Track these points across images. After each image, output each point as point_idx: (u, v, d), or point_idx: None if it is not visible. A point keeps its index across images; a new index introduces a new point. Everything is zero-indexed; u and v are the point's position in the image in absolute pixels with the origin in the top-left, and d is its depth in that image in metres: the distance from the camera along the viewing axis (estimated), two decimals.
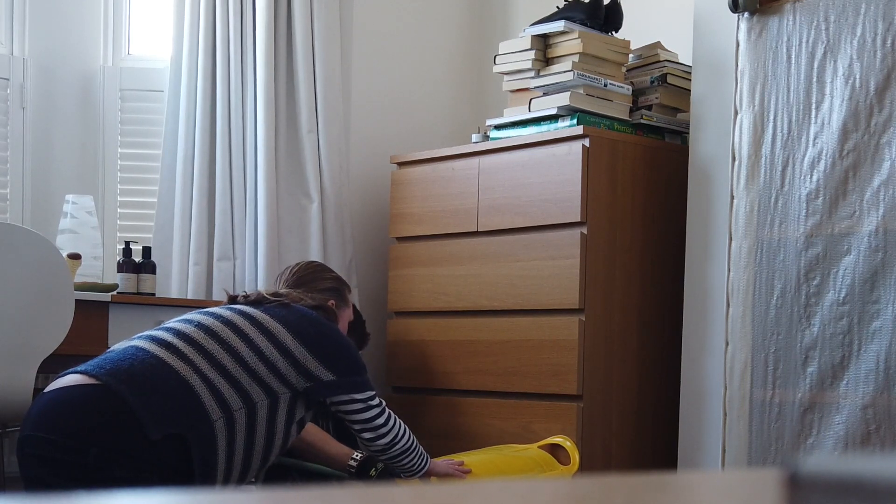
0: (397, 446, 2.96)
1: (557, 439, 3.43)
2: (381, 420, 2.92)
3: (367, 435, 2.93)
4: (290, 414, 2.82)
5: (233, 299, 2.99)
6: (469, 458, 3.31)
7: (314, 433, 3.45)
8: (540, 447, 3.43)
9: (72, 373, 2.66)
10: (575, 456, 3.37)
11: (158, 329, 2.83)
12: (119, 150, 4.19)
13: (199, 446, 2.62)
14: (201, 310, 2.92)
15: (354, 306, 3.55)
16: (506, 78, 3.88)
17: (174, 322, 2.85)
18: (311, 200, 4.13)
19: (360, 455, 3.45)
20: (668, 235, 3.67)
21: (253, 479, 2.92)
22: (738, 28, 3.31)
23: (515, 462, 3.33)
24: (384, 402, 2.97)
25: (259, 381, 2.75)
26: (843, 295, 3.03)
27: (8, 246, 3.01)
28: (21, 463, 2.64)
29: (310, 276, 3.25)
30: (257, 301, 2.93)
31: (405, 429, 3.00)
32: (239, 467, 2.74)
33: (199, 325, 2.79)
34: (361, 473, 3.47)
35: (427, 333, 3.95)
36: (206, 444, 2.64)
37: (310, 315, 2.90)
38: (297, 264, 3.35)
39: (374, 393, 2.93)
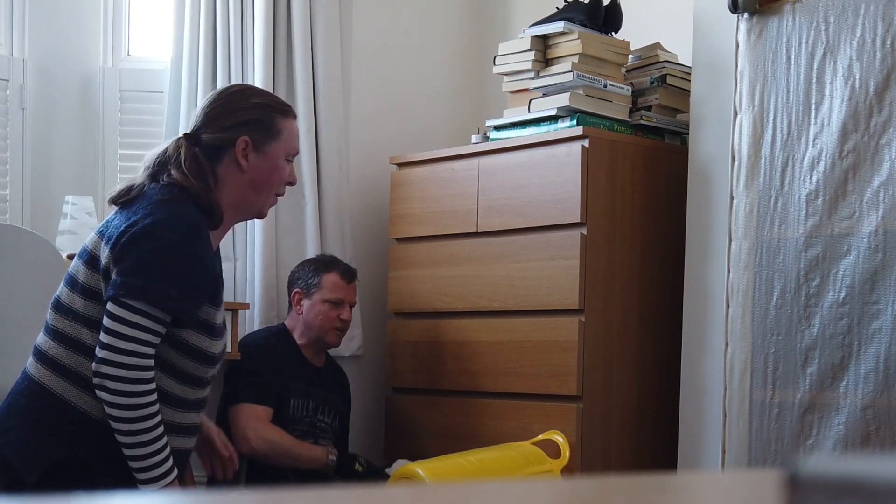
0: (120, 405, 2.35)
1: (550, 436, 3.44)
2: (122, 344, 2.34)
3: (99, 353, 2.38)
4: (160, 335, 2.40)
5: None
6: (467, 458, 3.31)
7: (282, 441, 3.46)
8: (533, 443, 3.44)
9: None
10: (565, 451, 3.37)
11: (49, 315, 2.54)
12: (119, 151, 4.19)
13: (96, 452, 2.40)
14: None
15: None
16: (505, 79, 3.88)
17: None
18: (311, 201, 4.12)
19: (334, 452, 3.45)
20: (668, 236, 3.67)
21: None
22: (737, 29, 3.31)
23: (504, 458, 3.33)
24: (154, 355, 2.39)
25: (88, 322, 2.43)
26: (842, 295, 3.03)
27: (8, 247, 3.01)
28: None
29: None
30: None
31: (153, 411, 2.38)
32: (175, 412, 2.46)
33: (55, 305, 2.51)
34: (344, 467, 3.48)
35: (427, 334, 3.95)
36: (104, 440, 2.38)
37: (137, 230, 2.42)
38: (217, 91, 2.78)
39: (147, 311, 2.34)
